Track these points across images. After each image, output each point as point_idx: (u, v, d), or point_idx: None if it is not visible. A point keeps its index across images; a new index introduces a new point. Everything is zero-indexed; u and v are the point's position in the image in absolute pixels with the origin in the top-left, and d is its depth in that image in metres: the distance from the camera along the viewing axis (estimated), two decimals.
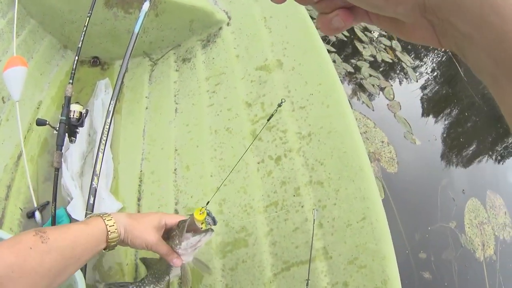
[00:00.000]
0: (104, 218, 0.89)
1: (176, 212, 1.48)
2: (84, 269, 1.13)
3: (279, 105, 1.08)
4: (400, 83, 3.87)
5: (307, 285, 1.15)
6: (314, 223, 1.22)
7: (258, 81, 1.59)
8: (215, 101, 1.66)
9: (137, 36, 1.44)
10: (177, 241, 0.98)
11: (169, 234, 1.00)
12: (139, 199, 1.52)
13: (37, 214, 1.44)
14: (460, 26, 0.33)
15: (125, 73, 1.39)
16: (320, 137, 1.36)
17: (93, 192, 1.23)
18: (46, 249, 0.73)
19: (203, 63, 1.81)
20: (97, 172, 1.26)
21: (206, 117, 1.64)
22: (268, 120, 1.08)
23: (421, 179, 3.11)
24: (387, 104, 3.45)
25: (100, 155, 1.28)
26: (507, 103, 0.33)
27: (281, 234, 1.30)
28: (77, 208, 1.43)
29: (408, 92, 3.82)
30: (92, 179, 1.25)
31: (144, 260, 1.18)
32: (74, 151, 1.59)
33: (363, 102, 3.31)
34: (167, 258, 0.98)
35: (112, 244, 0.89)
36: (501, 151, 3.91)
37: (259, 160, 1.44)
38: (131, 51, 1.42)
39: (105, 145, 1.30)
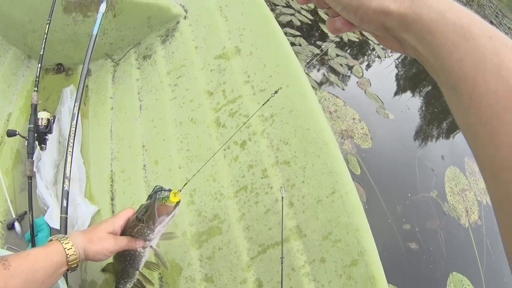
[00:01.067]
0: (62, 242, 0.91)
1: None
2: (65, 275, 1.13)
3: (276, 92, 1.05)
4: (370, 61, 3.88)
5: (281, 263, 1.16)
6: (283, 201, 1.22)
7: (217, 69, 1.60)
8: (178, 94, 1.66)
9: (95, 38, 1.44)
10: (148, 231, 0.99)
11: (131, 232, 1.01)
12: (112, 199, 1.52)
13: (17, 224, 1.44)
14: (409, 41, 0.45)
15: (87, 76, 1.40)
16: (282, 117, 1.37)
17: (65, 195, 1.24)
18: (9, 274, 0.76)
19: (164, 58, 1.81)
20: (67, 174, 1.27)
21: (170, 111, 1.64)
22: (262, 104, 1.09)
23: (397, 152, 3.12)
24: (357, 82, 3.45)
25: (69, 157, 1.29)
26: (446, 97, 0.45)
27: (253, 217, 1.31)
28: (54, 217, 1.42)
29: (379, 69, 3.83)
30: (63, 182, 1.26)
31: (108, 268, 1.18)
32: (46, 160, 1.59)
33: (332, 82, 3.30)
34: (131, 247, 1.00)
35: (73, 266, 0.91)
36: None
37: (224, 147, 1.44)
38: (91, 54, 1.42)
39: (73, 147, 1.31)
